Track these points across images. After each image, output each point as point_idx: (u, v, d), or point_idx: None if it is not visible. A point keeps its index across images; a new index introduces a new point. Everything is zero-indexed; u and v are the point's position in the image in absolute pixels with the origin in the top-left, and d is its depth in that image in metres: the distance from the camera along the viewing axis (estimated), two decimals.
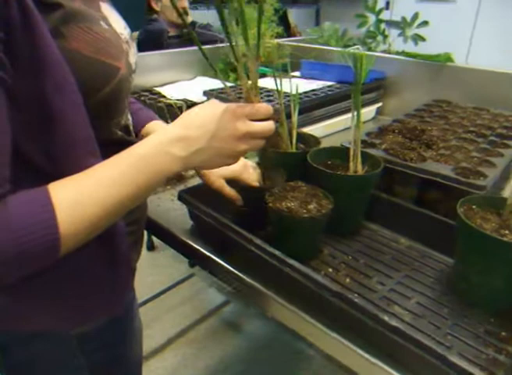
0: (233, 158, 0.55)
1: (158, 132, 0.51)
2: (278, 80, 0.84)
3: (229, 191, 0.74)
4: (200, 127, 0.51)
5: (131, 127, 0.63)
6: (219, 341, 1.74)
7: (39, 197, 0.41)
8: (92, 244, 0.48)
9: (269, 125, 0.55)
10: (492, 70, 1.29)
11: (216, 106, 0.53)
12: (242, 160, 0.75)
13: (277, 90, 0.85)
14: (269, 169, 0.78)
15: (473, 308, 0.61)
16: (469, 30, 3.55)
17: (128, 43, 0.56)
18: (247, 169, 0.76)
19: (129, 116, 0.64)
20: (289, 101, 0.93)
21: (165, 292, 1.86)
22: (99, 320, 0.59)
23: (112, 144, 0.55)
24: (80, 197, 0.43)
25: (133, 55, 0.57)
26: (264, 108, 0.55)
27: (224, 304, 1.92)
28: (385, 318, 0.51)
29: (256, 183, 0.75)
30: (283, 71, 0.88)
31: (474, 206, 0.65)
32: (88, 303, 0.57)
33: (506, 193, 0.92)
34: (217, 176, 0.73)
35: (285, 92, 0.87)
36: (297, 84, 0.91)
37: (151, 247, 2.27)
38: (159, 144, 0.48)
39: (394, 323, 0.51)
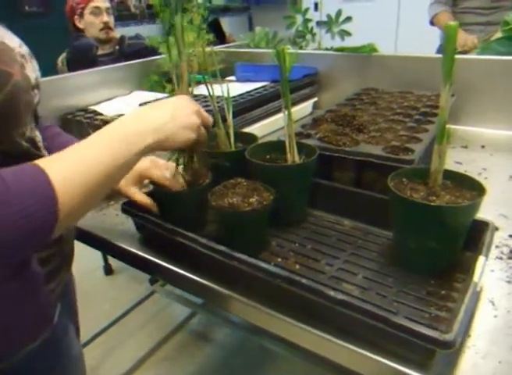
0: (192, 130, 0.63)
1: (128, 115, 0.57)
2: (210, 86, 0.86)
3: (141, 197, 0.76)
4: (162, 105, 0.61)
5: (40, 144, 0.61)
6: (190, 354, 1.71)
7: (25, 165, 0.43)
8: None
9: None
10: (412, 55, 1.37)
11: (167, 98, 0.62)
12: (149, 158, 0.78)
13: (209, 95, 0.86)
14: (193, 168, 0.79)
15: (414, 274, 0.64)
16: (394, 23, 3.76)
17: (24, 57, 0.55)
18: (157, 166, 0.76)
19: (38, 133, 0.62)
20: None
21: (126, 315, 1.81)
22: (21, 350, 0.56)
23: (20, 156, 0.54)
24: (67, 161, 0.46)
25: (33, 70, 0.57)
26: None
27: (190, 316, 1.89)
28: (331, 293, 0.53)
29: (167, 182, 0.75)
30: (217, 77, 0.90)
31: (403, 179, 0.68)
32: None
33: None
34: (125, 184, 0.76)
35: (220, 96, 0.88)
36: (229, 87, 0.92)
37: (109, 271, 2.20)
38: (132, 124, 0.55)
39: (340, 296, 0.53)
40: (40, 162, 0.44)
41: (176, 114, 0.60)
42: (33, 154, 0.57)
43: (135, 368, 1.66)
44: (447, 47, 0.56)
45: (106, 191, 0.51)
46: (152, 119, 0.57)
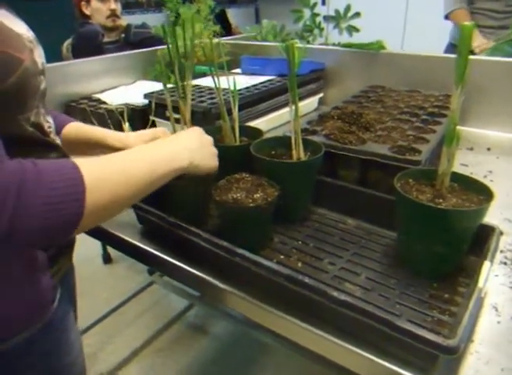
0: (215, 160, 0.70)
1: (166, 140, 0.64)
2: (216, 78, 0.84)
3: None
4: (189, 134, 0.67)
5: (50, 129, 0.62)
6: (186, 346, 1.72)
7: (62, 160, 0.46)
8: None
9: None
10: (422, 54, 1.36)
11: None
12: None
13: (216, 87, 0.85)
14: None
15: (418, 277, 0.64)
16: (401, 19, 3.73)
17: (32, 42, 0.56)
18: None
19: (49, 118, 0.62)
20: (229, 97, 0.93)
21: (124, 304, 1.81)
22: (22, 333, 0.56)
23: (24, 140, 0.55)
24: (102, 164, 0.49)
25: (40, 56, 0.57)
26: None
27: (187, 308, 1.90)
28: (335, 294, 0.53)
29: None
30: (223, 69, 0.88)
31: (410, 180, 0.68)
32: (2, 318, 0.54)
33: None
34: (135, 139, 0.81)
35: (225, 89, 0.87)
36: (235, 80, 0.91)
37: (108, 259, 2.20)
38: (170, 147, 0.60)
39: (343, 297, 0.52)
40: (77, 160, 0.46)
41: (203, 143, 0.67)
42: (39, 139, 0.58)
43: (131, 357, 1.67)
44: (461, 48, 0.55)
45: (131, 201, 0.53)
46: (186, 143, 0.63)
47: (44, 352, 0.60)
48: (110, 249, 2.19)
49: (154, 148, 0.58)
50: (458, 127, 0.61)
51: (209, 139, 0.71)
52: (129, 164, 0.51)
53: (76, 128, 0.80)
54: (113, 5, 1.99)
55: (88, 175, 0.45)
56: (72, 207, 0.42)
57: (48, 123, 0.61)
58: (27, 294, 0.55)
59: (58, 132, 0.75)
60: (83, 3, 1.98)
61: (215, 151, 0.70)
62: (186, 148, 0.62)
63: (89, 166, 0.46)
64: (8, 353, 0.55)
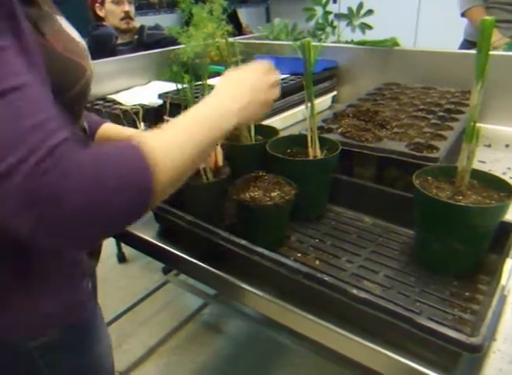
0: (268, 106, 0.64)
1: (213, 94, 0.56)
2: None
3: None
4: (244, 82, 0.61)
5: (87, 130, 0.64)
6: (201, 345, 1.72)
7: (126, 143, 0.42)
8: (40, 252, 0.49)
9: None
10: (436, 51, 1.34)
11: (246, 67, 0.65)
12: None
13: None
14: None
15: (438, 274, 0.63)
16: (414, 16, 3.69)
17: (86, 50, 0.58)
18: None
19: (85, 121, 0.64)
20: None
21: (139, 303, 1.82)
22: (56, 329, 0.57)
23: None
24: (165, 138, 0.46)
25: (91, 62, 0.59)
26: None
27: (202, 307, 1.90)
28: (354, 291, 0.52)
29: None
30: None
31: (429, 177, 0.67)
32: (38, 311, 0.55)
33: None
34: None
35: None
36: None
37: (122, 259, 2.22)
38: (220, 104, 0.55)
39: (363, 295, 0.52)
40: (140, 138, 0.43)
41: (257, 91, 0.61)
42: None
43: (146, 356, 1.68)
44: (481, 43, 0.55)
45: (196, 166, 0.51)
46: (237, 101, 0.57)
47: (72, 348, 0.61)
48: (125, 249, 2.21)
49: (203, 113, 0.53)
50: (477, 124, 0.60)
51: (266, 83, 0.64)
52: (186, 134, 0.48)
53: (110, 129, 0.79)
54: (127, 7, 2.01)
55: (154, 156, 0.42)
56: (142, 191, 0.41)
57: (85, 124, 0.62)
58: (68, 293, 0.56)
59: (93, 132, 0.76)
60: (97, 5, 2.00)
61: (269, 98, 0.64)
62: (235, 107, 0.56)
63: (152, 145, 0.43)
64: (39, 349, 0.56)
